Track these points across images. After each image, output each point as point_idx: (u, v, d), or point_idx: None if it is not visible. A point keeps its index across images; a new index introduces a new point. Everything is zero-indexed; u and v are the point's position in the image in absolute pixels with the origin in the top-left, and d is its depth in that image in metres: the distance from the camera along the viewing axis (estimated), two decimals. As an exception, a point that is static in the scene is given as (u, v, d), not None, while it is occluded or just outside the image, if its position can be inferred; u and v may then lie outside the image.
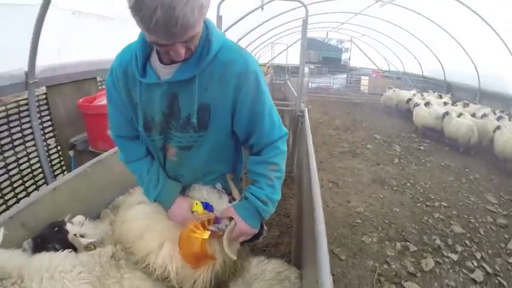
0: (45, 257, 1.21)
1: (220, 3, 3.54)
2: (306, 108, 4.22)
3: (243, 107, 1.24)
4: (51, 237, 1.48)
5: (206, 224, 1.26)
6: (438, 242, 3.71)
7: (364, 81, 16.97)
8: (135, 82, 1.23)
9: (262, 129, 1.31)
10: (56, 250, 1.36)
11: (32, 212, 1.54)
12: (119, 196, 2.04)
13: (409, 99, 9.95)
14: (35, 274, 1.12)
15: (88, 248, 1.48)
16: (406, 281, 3.07)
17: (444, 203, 4.67)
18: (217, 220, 1.31)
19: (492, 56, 8.90)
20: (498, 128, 6.56)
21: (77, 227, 1.59)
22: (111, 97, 1.34)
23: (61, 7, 2.98)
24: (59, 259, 1.20)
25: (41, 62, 2.88)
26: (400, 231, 3.89)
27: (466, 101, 9.58)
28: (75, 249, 1.46)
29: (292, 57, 17.63)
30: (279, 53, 13.71)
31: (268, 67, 16.45)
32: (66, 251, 1.28)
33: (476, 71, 10.12)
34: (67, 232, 1.51)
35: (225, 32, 7.19)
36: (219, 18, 3.60)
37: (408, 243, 3.66)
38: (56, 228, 1.52)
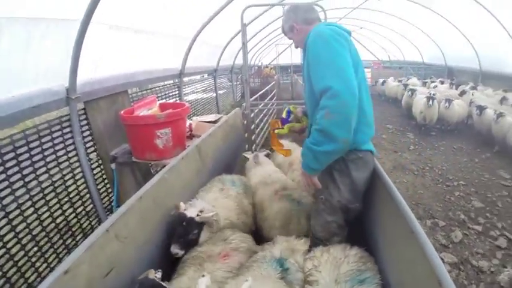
0: None
1: (243, 11, 3.80)
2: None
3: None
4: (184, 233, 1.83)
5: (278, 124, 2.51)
6: (462, 216, 4.04)
7: (367, 73, 17.01)
8: None
9: (313, 77, 1.66)
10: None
11: (124, 223, 1.62)
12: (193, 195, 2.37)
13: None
14: None
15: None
16: (441, 252, 3.38)
17: (462, 182, 5.01)
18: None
19: (490, 37, 8.96)
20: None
21: (193, 209, 1.87)
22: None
23: (98, 21, 2.89)
24: None
25: (79, 78, 2.84)
26: (427, 210, 4.22)
27: (472, 84, 9.61)
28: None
29: (296, 57, 17.59)
30: (282, 52, 13.84)
31: (271, 68, 15.97)
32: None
33: (476, 53, 10.21)
34: (192, 218, 1.81)
35: (233, 37, 7.57)
36: (243, 25, 3.86)
37: (436, 219, 3.99)
38: (184, 223, 1.82)
